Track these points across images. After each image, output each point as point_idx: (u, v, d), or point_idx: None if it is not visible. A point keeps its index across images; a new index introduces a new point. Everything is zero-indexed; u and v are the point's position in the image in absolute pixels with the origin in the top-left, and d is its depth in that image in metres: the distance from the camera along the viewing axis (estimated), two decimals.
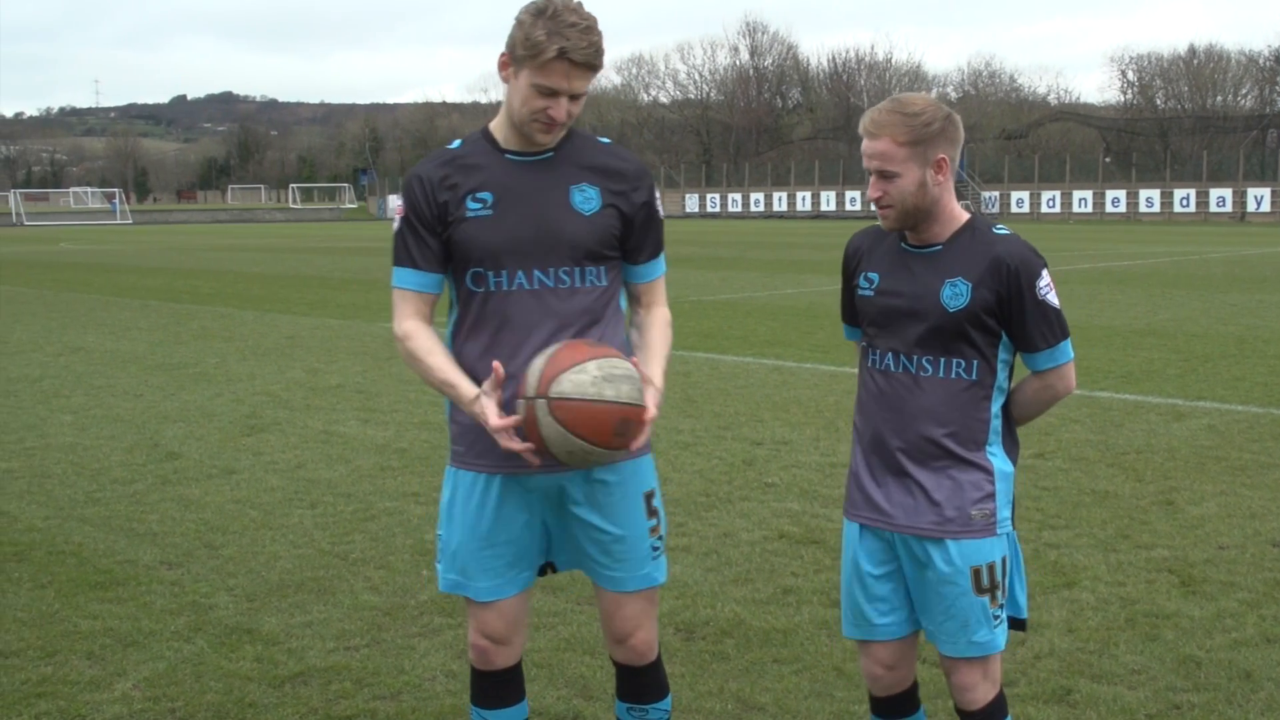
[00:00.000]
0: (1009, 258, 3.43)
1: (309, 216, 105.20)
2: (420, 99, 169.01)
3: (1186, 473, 8.52)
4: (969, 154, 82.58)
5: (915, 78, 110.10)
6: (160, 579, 6.49)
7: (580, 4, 3.47)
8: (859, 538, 3.66)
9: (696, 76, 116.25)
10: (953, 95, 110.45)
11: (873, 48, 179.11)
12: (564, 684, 5.12)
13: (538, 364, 3.41)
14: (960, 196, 74.45)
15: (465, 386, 3.51)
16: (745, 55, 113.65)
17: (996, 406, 3.55)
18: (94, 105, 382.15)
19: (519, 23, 3.45)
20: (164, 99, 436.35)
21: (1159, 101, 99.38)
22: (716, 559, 6.73)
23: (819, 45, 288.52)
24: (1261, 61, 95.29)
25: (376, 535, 7.25)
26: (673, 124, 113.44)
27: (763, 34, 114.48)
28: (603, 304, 3.66)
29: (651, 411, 3.45)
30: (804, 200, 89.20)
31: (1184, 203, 74.44)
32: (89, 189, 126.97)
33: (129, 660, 5.39)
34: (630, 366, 3.45)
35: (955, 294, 3.44)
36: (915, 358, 3.51)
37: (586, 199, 3.60)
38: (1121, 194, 76.94)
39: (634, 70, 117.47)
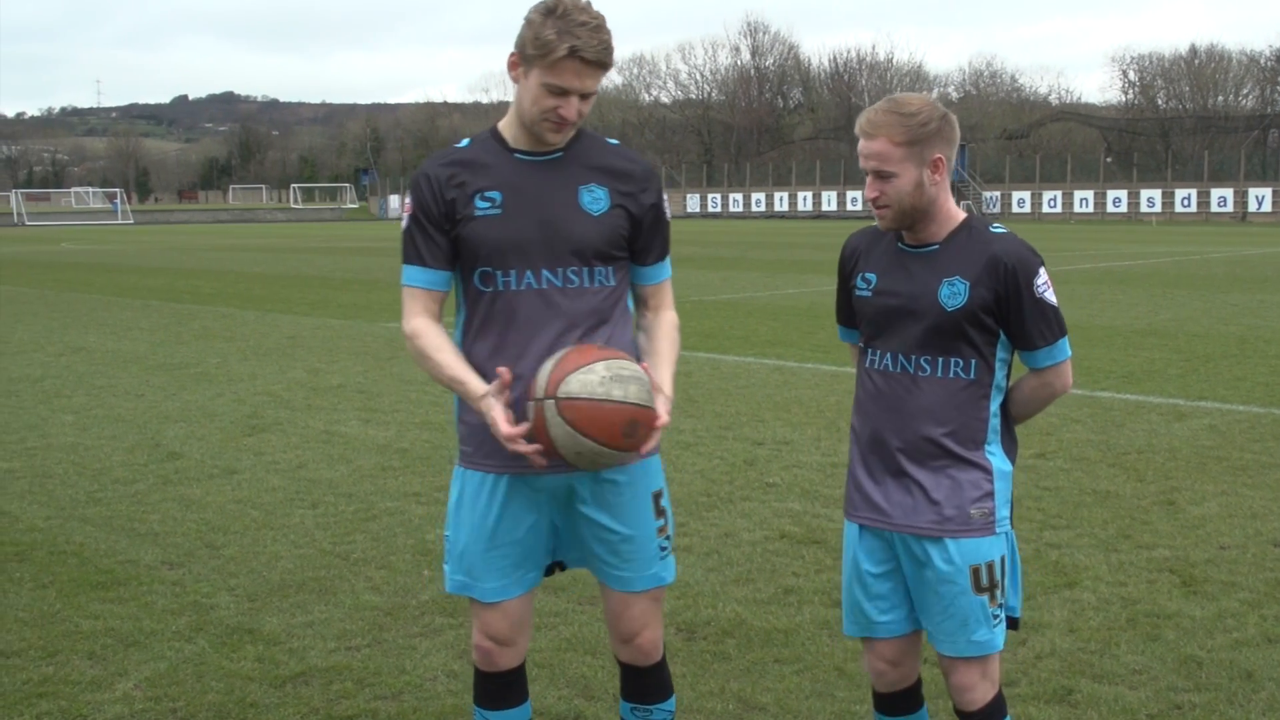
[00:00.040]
0: (1006, 256, 3.43)
1: (310, 216, 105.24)
2: (421, 99, 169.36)
3: (1188, 473, 8.52)
4: (970, 154, 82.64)
5: (916, 78, 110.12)
6: (161, 579, 6.49)
7: (589, 3, 3.47)
8: (859, 537, 3.66)
9: (698, 76, 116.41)
10: (954, 95, 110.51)
11: (874, 48, 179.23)
12: (565, 684, 5.12)
13: (546, 367, 3.41)
14: (961, 197, 74.89)
15: (474, 383, 3.50)
16: (746, 55, 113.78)
17: (995, 405, 3.56)
18: (95, 105, 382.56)
19: (528, 22, 3.45)
20: (165, 99, 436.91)
21: (1160, 101, 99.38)
22: (718, 559, 6.73)
23: (820, 45, 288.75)
24: (1263, 61, 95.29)
25: (378, 535, 7.25)
26: (674, 124, 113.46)
27: (764, 34, 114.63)
28: (610, 304, 3.66)
29: (663, 418, 3.45)
30: (805, 200, 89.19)
31: (1185, 203, 74.43)
32: (90, 189, 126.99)
33: (130, 660, 5.39)
34: (639, 369, 3.44)
35: (953, 293, 3.45)
36: (914, 358, 3.51)
37: (595, 199, 3.60)
38: (1123, 194, 76.93)
39: (635, 70, 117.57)
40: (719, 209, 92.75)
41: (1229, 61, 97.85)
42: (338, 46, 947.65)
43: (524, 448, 3.39)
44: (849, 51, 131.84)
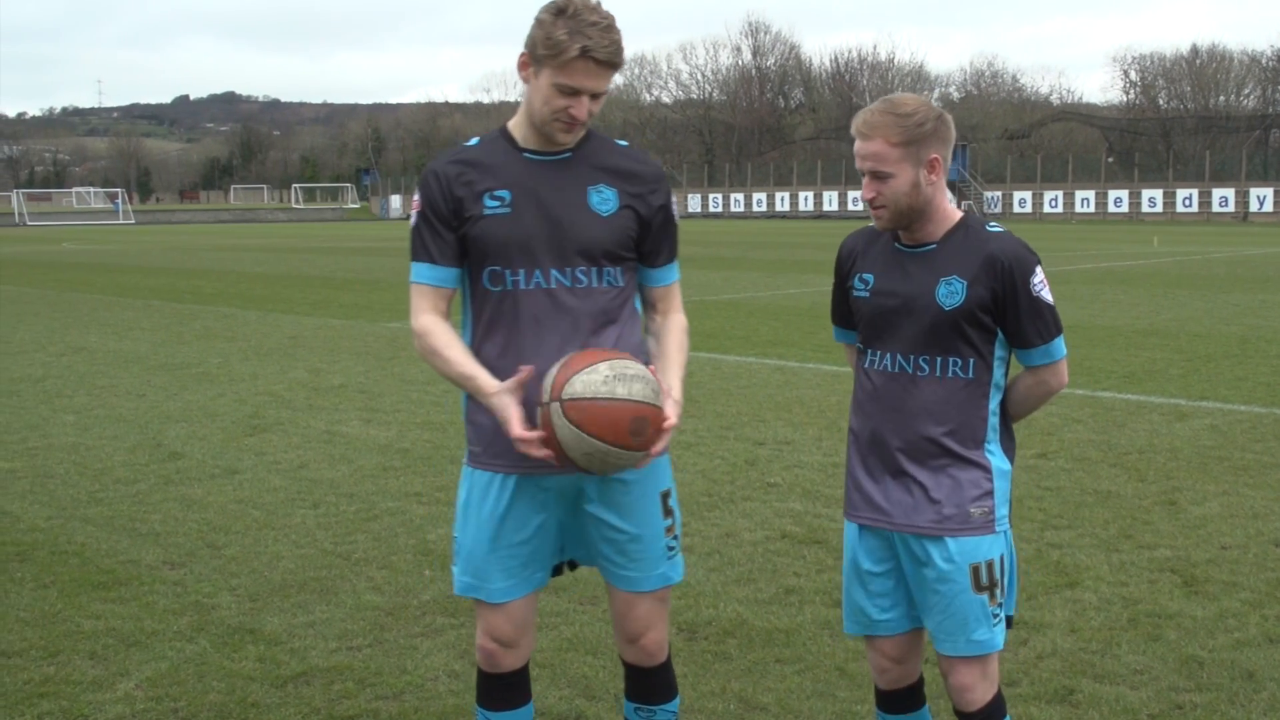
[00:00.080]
0: (1003, 255, 3.44)
1: (311, 216, 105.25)
2: (423, 99, 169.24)
3: (1189, 473, 8.52)
4: (972, 154, 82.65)
5: (918, 78, 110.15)
6: (163, 579, 6.49)
7: (599, 2, 3.48)
8: (859, 536, 3.67)
9: (699, 76, 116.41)
10: (955, 95, 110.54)
11: (875, 48, 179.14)
12: (566, 684, 5.12)
13: (551, 372, 3.41)
14: (963, 197, 74.84)
15: (485, 379, 3.50)
16: (748, 55, 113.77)
17: (994, 404, 3.56)
18: (97, 105, 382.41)
19: (539, 22, 3.45)
20: (167, 99, 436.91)
21: (1161, 101, 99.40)
22: (719, 559, 6.73)
23: (821, 45, 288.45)
24: (1264, 61, 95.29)
25: (379, 535, 7.25)
26: (675, 124, 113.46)
27: (765, 34, 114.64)
28: (618, 305, 3.66)
29: (671, 419, 3.44)
30: (806, 200, 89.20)
31: (1187, 203, 74.41)
32: (92, 189, 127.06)
33: (131, 660, 5.39)
34: (643, 368, 3.44)
35: (951, 292, 3.45)
36: (912, 357, 3.52)
37: (604, 200, 3.60)
38: (1124, 194, 76.93)
39: (636, 70, 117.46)
40: (720, 209, 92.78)
41: (1230, 61, 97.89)
42: (339, 46, 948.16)
43: (536, 451, 3.38)
44: (850, 51, 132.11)
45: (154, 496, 8.17)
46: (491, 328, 3.62)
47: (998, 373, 3.56)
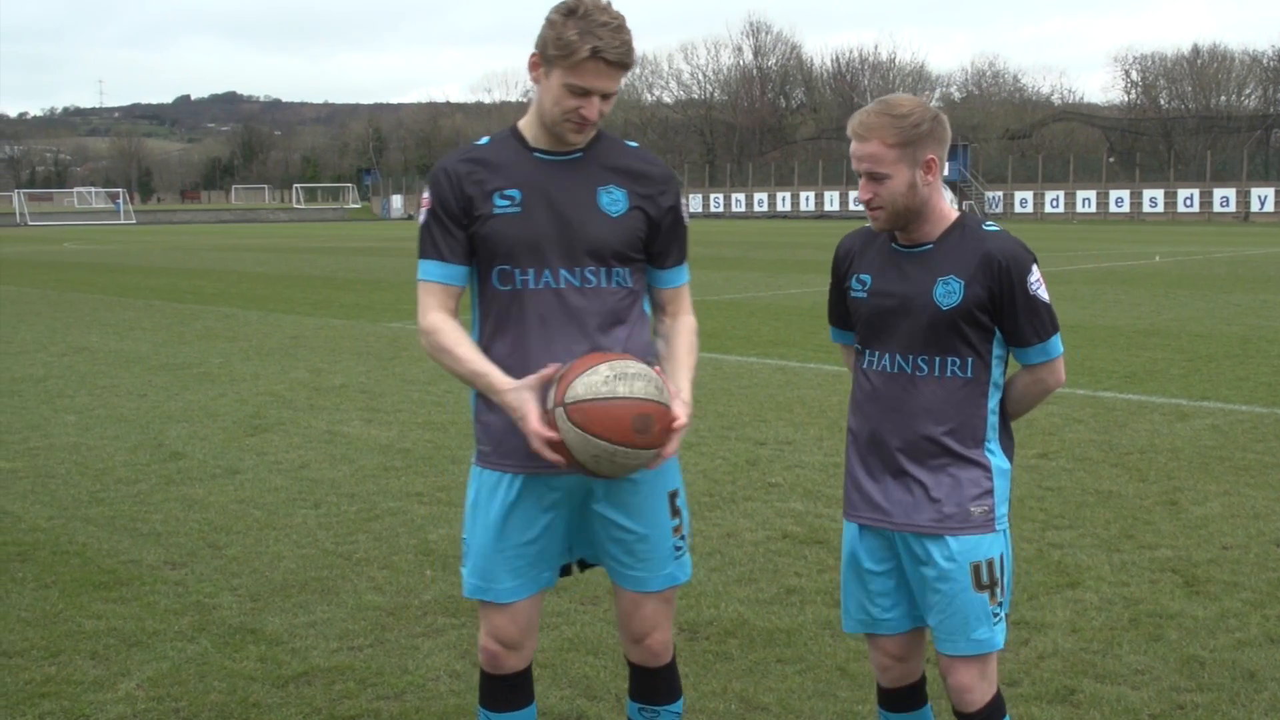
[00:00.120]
0: (1000, 254, 3.45)
1: (313, 216, 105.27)
2: (424, 99, 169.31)
3: (1190, 473, 8.52)
4: (973, 154, 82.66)
5: (919, 78, 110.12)
6: (164, 579, 6.49)
7: (610, 3, 3.48)
8: (859, 536, 3.67)
9: (700, 76, 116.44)
10: (956, 95, 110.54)
11: (876, 48, 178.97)
12: (568, 684, 5.12)
13: (555, 378, 3.41)
14: (964, 197, 74.83)
15: (497, 376, 3.48)
16: (749, 55, 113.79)
17: (994, 403, 3.57)
18: (98, 105, 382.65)
19: (549, 23, 3.45)
20: (168, 99, 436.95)
21: (1163, 101, 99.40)
22: (720, 559, 6.73)
23: (822, 45, 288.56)
24: (1265, 61, 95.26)
25: (380, 535, 7.25)
26: (676, 124, 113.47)
27: (766, 34, 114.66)
28: (627, 305, 3.65)
29: (681, 419, 3.44)
30: (808, 200, 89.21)
31: (1188, 203, 74.41)
32: (93, 189, 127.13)
33: (133, 660, 5.39)
34: (645, 366, 3.44)
35: (948, 292, 3.46)
36: (911, 357, 3.53)
37: (614, 200, 3.60)
38: (1125, 194, 76.93)
39: (638, 70, 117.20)
40: (721, 209, 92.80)
41: (1231, 61, 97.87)
42: (340, 46, 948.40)
43: (549, 454, 3.37)
44: (851, 51, 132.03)
45: (155, 496, 8.18)
46: (500, 327, 3.62)
47: (996, 372, 3.57)
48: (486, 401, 3.60)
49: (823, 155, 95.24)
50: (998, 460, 3.57)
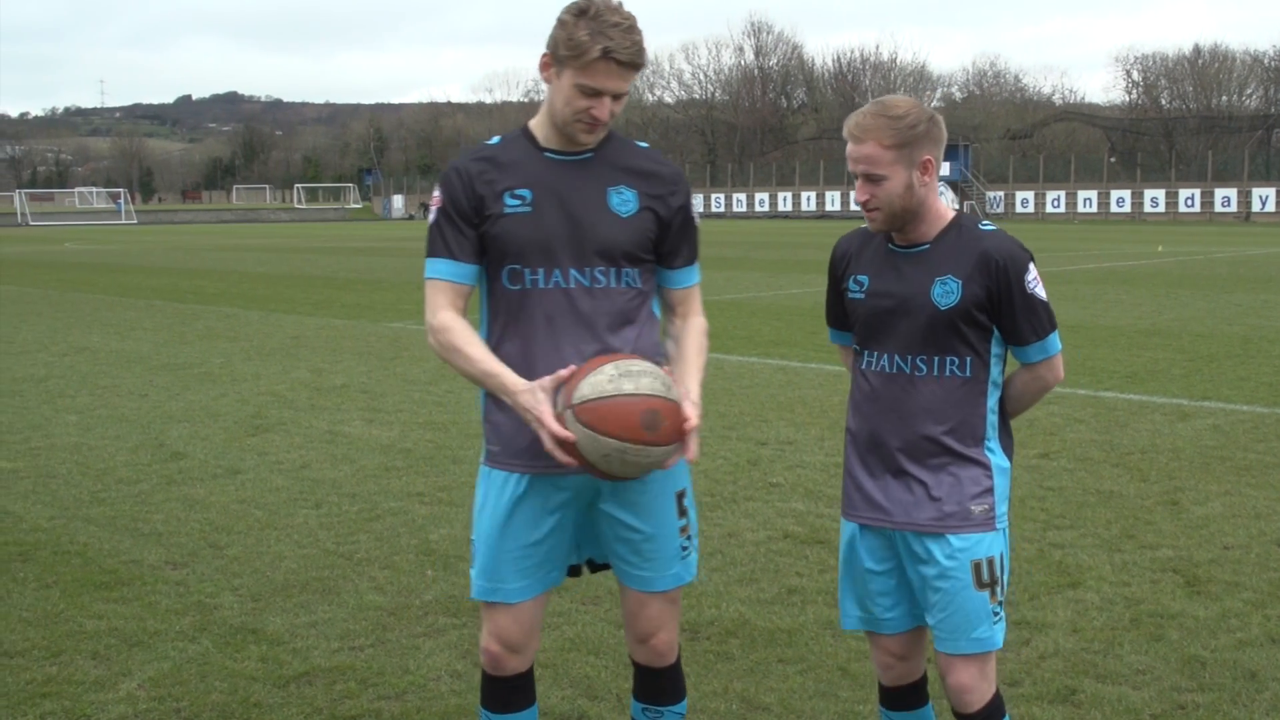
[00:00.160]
0: (997, 253, 3.46)
1: (314, 216, 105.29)
2: (425, 99, 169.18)
3: (1191, 473, 8.51)
4: (974, 154, 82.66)
5: (920, 78, 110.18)
6: (165, 579, 6.49)
7: (621, 3, 3.48)
8: (860, 536, 3.67)
9: (701, 77, 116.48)
10: (958, 95, 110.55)
11: (877, 48, 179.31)
12: (569, 684, 5.12)
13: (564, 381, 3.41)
14: (965, 197, 74.82)
15: (510, 377, 3.47)
16: (750, 55, 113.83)
17: (993, 401, 3.58)
18: (99, 105, 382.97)
19: (561, 23, 3.46)
20: (169, 99, 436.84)
21: (1164, 101, 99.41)
22: (721, 559, 6.73)
23: (824, 45, 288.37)
24: (1267, 61, 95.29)
25: (381, 535, 7.25)
26: (677, 124, 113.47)
27: (767, 34, 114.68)
28: (636, 306, 3.65)
29: (693, 420, 3.43)
30: (809, 200, 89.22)
31: (1189, 203, 74.42)
32: (94, 189, 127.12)
33: (134, 660, 5.39)
34: (651, 365, 3.44)
35: (946, 291, 3.47)
36: (910, 358, 3.53)
37: (624, 201, 3.60)
38: (1126, 194, 76.94)
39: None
40: (723, 209, 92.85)
41: (1233, 61, 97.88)
42: (341, 46, 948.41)
43: (561, 456, 3.36)
44: (852, 51, 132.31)
45: (156, 496, 8.18)
46: (509, 327, 3.61)
47: (995, 370, 3.58)
48: (496, 401, 3.59)
49: (824, 155, 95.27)
50: (997, 459, 3.58)
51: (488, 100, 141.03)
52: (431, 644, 5.56)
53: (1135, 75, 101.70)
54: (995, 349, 3.56)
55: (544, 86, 3.61)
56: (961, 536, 3.50)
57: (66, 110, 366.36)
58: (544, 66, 3.54)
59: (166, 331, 18.01)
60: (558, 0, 3.55)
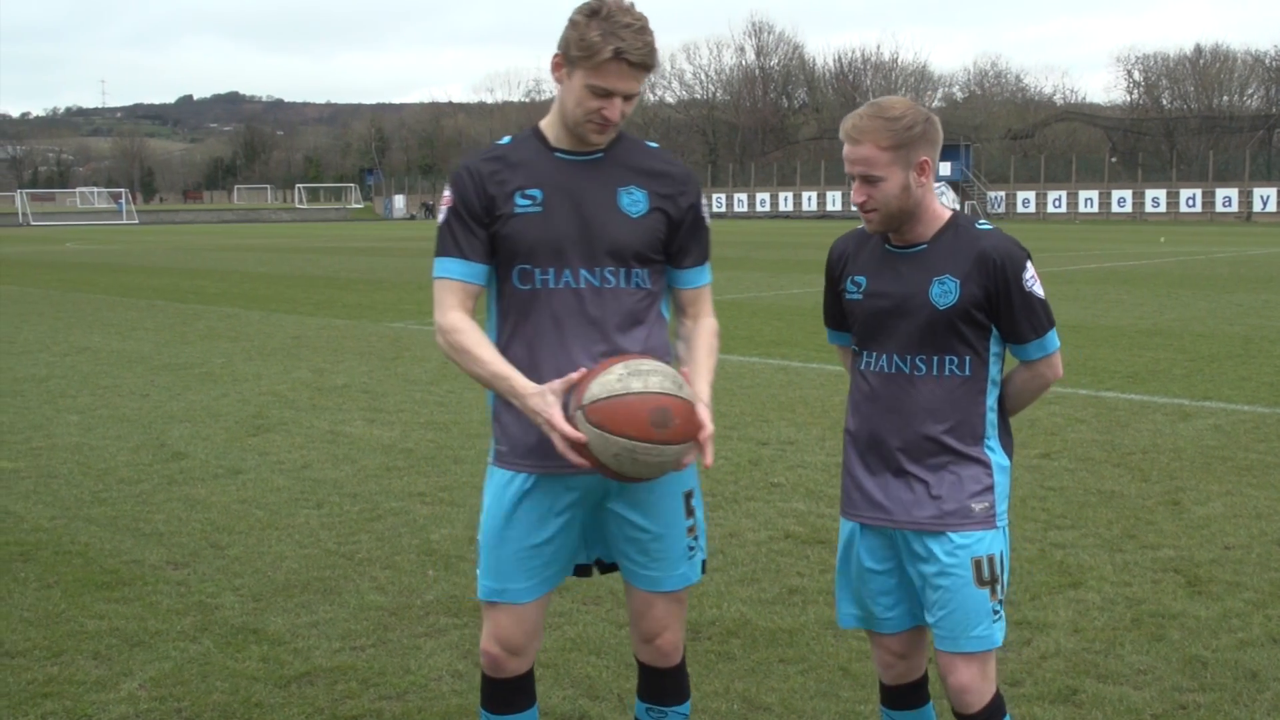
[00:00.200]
0: (994, 252, 3.47)
1: (315, 216, 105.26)
2: (426, 99, 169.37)
3: (1192, 473, 8.51)
4: (975, 154, 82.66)
5: (921, 78, 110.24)
6: (166, 579, 6.49)
7: (633, 4, 3.48)
8: (860, 535, 3.67)
9: (702, 76, 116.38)
10: (959, 95, 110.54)
11: (879, 48, 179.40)
12: (570, 684, 5.12)
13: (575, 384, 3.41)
14: (966, 197, 74.83)
15: (519, 381, 3.46)
16: (751, 55, 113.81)
17: (992, 400, 3.59)
18: (100, 105, 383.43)
19: (572, 23, 3.46)
20: (170, 99, 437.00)
21: (1165, 101, 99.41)
22: (722, 559, 6.73)
23: (825, 45, 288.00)
24: (1268, 61, 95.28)
25: (382, 535, 7.25)
26: (678, 124, 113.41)
27: (769, 34, 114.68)
28: (645, 307, 3.65)
29: (708, 428, 3.42)
30: (810, 200, 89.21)
31: (1190, 203, 74.41)
32: (95, 189, 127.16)
33: (135, 660, 5.39)
34: (660, 364, 3.43)
35: (944, 291, 3.48)
36: (909, 358, 3.54)
37: (634, 201, 3.60)
38: (1127, 194, 76.94)
39: None
40: (724, 209, 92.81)
41: (1234, 61, 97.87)
42: (342, 47, 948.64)
43: (574, 457, 3.36)
44: (854, 51, 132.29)
45: (157, 496, 8.18)
46: (519, 327, 3.61)
47: (993, 369, 3.58)
48: (504, 401, 3.58)
49: (825, 155, 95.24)
50: (997, 457, 3.58)
51: (489, 100, 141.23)
52: (433, 644, 5.56)
53: (1136, 75, 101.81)
54: (994, 348, 3.57)
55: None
56: (962, 534, 3.50)
57: (68, 110, 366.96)
58: (555, 67, 3.54)
59: (168, 331, 18.01)
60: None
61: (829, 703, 4.92)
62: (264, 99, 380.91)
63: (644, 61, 3.46)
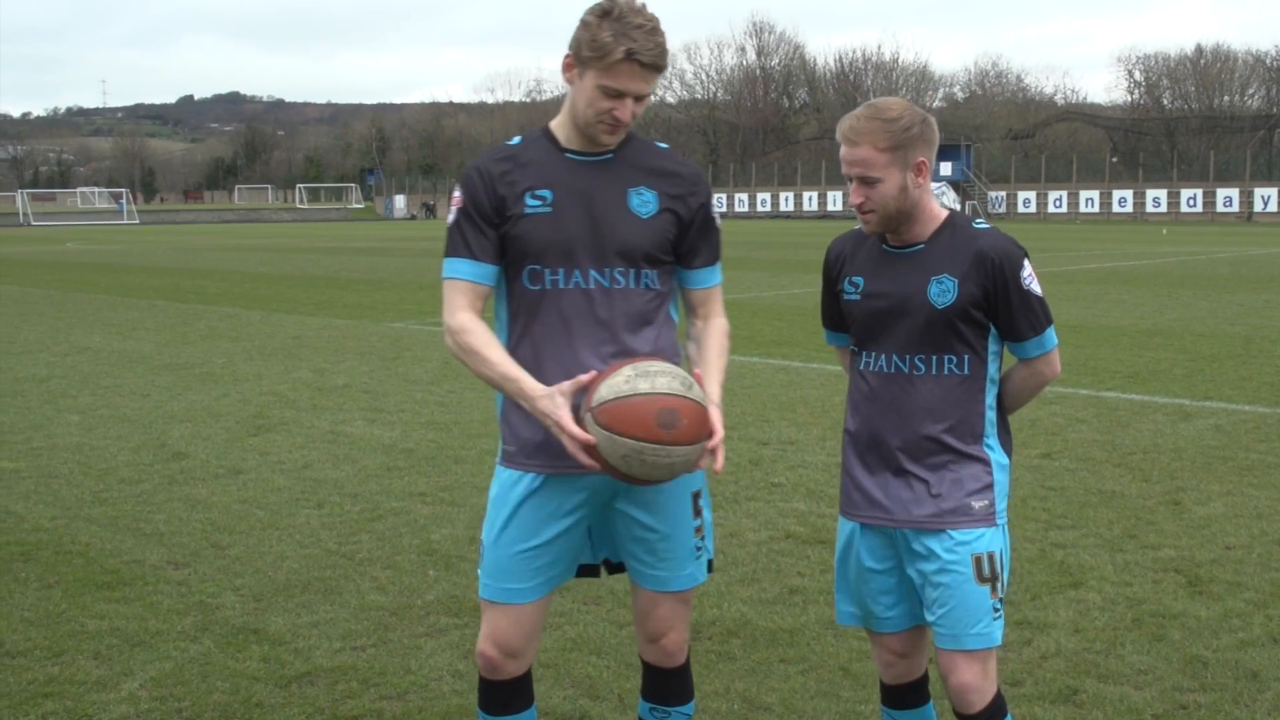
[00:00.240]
0: (992, 251, 3.48)
1: (316, 216, 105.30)
2: (427, 99, 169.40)
3: (1193, 473, 8.51)
4: (976, 154, 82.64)
5: (922, 78, 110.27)
6: (167, 579, 6.50)
7: (644, 5, 3.48)
8: (860, 535, 3.67)
9: (703, 77, 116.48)
10: (960, 95, 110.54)
11: (879, 48, 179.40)
12: (570, 684, 5.12)
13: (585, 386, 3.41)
14: (967, 196, 74.83)
15: (529, 383, 3.46)
16: (752, 55, 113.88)
17: (991, 398, 3.60)
18: (101, 105, 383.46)
19: (584, 24, 3.46)
20: (171, 99, 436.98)
21: (1166, 101, 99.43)
22: (723, 559, 6.72)
23: (826, 45, 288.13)
24: (1268, 61, 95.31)
25: (383, 535, 7.25)
26: (679, 124, 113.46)
27: (769, 34, 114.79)
28: (654, 307, 3.65)
29: (719, 433, 3.41)
30: (810, 200, 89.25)
31: (1191, 203, 74.42)
32: (96, 189, 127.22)
33: (136, 660, 5.39)
34: (669, 365, 3.43)
35: (942, 291, 3.48)
36: (908, 357, 3.55)
37: (644, 202, 3.60)
38: (1128, 194, 76.94)
39: None
40: (724, 209, 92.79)
41: (1235, 61, 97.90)
42: (343, 47, 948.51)
43: (584, 459, 3.35)
44: (854, 51, 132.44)
45: (158, 496, 8.18)
46: (528, 328, 3.60)
47: (992, 367, 3.59)
48: (513, 401, 3.58)
49: (826, 155, 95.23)
50: (997, 455, 3.59)
51: (489, 100, 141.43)
52: (433, 644, 5.56)
53: (1137, 75, 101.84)
54: (992, 346, 3.57)
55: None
56: (962, 531, 3.51)
57: (68, 110, 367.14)
58: (567, 67, 3.54)
59: (168, 331, 18.01)
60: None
61: (829, 703, 4.92)
62: (265, 99, 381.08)
63: (655, 62, 3.45)
